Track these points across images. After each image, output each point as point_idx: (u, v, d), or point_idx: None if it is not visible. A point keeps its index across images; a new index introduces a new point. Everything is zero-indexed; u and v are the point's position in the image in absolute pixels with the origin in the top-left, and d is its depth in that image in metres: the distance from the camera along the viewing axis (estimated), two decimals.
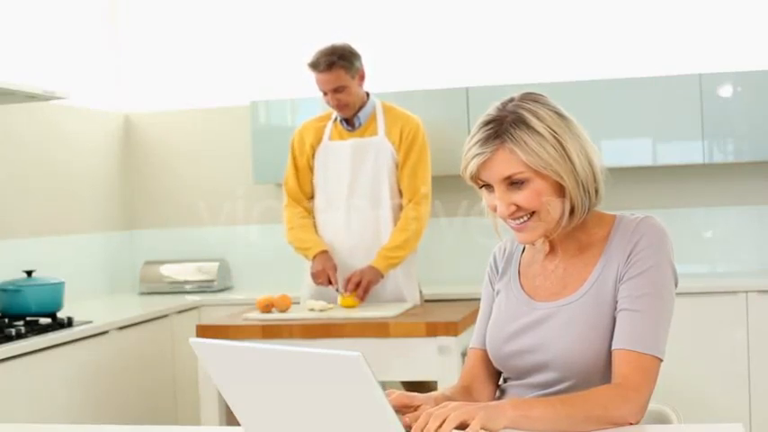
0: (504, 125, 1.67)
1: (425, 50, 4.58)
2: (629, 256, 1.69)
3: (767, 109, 4.07)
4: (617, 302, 1.68)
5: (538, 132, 1.66)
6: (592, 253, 1.75)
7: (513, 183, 1.68)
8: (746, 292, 3.86)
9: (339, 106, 3.62)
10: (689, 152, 4.14)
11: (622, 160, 4.20)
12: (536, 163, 1.65)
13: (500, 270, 1.90)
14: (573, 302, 1.72)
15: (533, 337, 1.74)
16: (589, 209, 1.72)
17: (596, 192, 1.72)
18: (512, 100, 1.73)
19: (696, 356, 3.87)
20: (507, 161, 1.66)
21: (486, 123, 1.70)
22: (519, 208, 1.69)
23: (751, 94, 4.09)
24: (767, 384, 3.84)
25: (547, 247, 1.82)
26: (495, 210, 1.72)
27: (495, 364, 1.83)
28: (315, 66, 3.59)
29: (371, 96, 3.75)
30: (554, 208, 1.69)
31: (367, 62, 3.73)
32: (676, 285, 1.73)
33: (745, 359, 3.85)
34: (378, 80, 4.07)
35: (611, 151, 4.18)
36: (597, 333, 1.68)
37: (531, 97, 1.73)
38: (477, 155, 1.67)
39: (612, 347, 1.65)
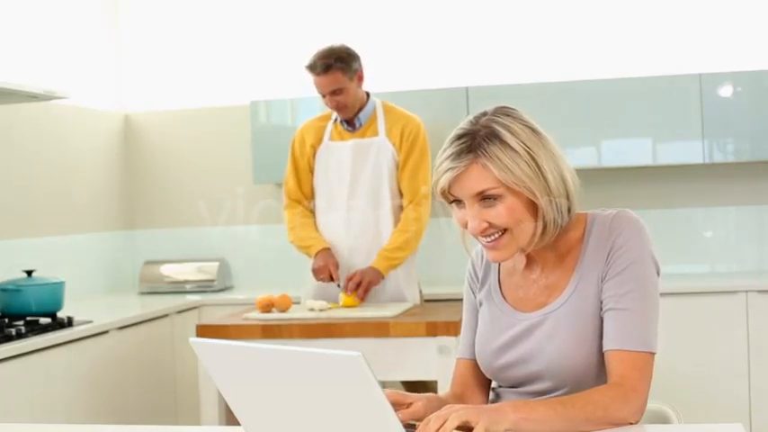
0: (477, 140, 1.64)
1: (425, 50, 4.58)
2: (608, 255, 1.68)
3: (767, 109, 4.07)
4: (602, 302, 1.68)
5: (511, 148, 1.63)
6: (570, 257, 1.74)
7: (486, 198, 1.64)
8: (746, 291, 3.86)
9: (338, 108, 3.63)
10: (689, 152, 4.14)
11: (622, 160, 4.20)
12: (509, 179, 1.62)
13: (479, 278, 1.87)
14: (557, 309, 1.71)
15: (522, 348, 1.73)
16: (561, 225, 1.69)
17: (569, 209, 1.69)
18: (485, 114, 1.69)
19: (696, 356, 3.87)
20: (480, 177, 1.63)
21: (459, 138, 1.67)
22: (491, 225, 1.66)
23: (751, 94, 4.09)
24: (767, 384, 3.84)
25: (524, 259, 1.79)
26: (465, 226, 1.69)
27: (488, 376, 1.83)
28: (312, 68, 3.59)
29: (371, 97, 3.75)
30: (526, 226, 1.66)
31: (367, 62, 3.73)
32: (659, 275, 1.71)
33: (745, 359, 3.85)
34: (378, 80, 4.08)
35: (611, 151, 4.18)
36: (586, 336, 1.68)
37: (504, 111, 1.69)
38: (450, 169, 1.65)
39: (604, 349, 1.65)
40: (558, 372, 1.69)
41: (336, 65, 3.55)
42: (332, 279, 3.61)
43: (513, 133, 1.64)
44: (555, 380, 1.70)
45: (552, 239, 1.71)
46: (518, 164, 1.62)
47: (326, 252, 3.65)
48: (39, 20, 4.20)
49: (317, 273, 3.64)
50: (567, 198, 1.68)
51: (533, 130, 1.67)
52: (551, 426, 1.51)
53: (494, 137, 1.63)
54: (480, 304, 1.85)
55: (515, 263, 1.82)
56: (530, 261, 1.79)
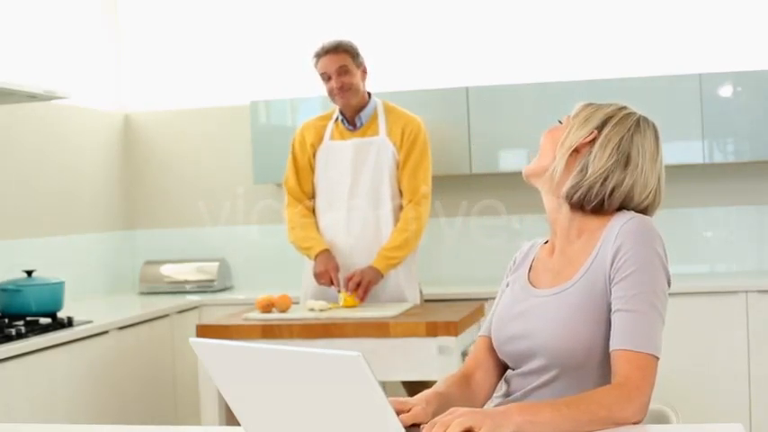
0: (632, 113, 1.85)
1: (425, 50, 4.58)
2: (613, 258, 1.71)
3: (767, 109, 4.07)
4: (610, 304, 1.69)
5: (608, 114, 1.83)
6: (589, 240, 1.78)
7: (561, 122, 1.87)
8: (746, 292, 3.86)
9: (343, 89, 3.61)
10: (689, 152, 4.14)
11: None
12: (574, 121, 1.83)
13: (517, 264, 1.96)
14: (564, 291, 1.75)
15: (524, 323, 1.78)
16: (574, 198, 1.78)
17: (596, 196, 1.77)
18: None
19: (696, 356, 3.87)
20: (579, 114, 1.85)
21: (625, 108, 1.87)
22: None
23: (751, 94, 4.09)
24: (767, 384, 3.84)
25: (553, 245, 1.87)
26: None
27: (497, 351, 1.86)
28: (322, 48, 3.63)
29: (373, 96, 3.75)
30: (549, 151, 1.82)
31: (367, 62, 3.73)
32: (669, 283, 1.74)
33: (745, 359, 3.85)
34: (378, 80, 4.07)
35: None
36: (585, 322, 1.70)
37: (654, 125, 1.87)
38: (587, 102, 1.89)
39: (610, 349, 1.67)
40: (549, 351, 1.72)
41: (345, 46, 3.64)
42: (332, 283, 3.61)
43: (642, 146, 1.80)
44: (547, 359, 1.73)
45: (578, 210, 1.79)
46: (593, 118, 1.83)
47: (327, 255, 3.65)
48: (39, 20, 4.20)
49: (317, 277, 3.64)
50: (599, 187, 1.76)
51: (656, 142, 1.83)
52: (557, 427, 1.52)
53: (636, 123, 1.82)
54: (507, 285, 1.93)
55: (548, 250, 1.89)
56: (554, 243, 1.86)
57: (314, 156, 3.77)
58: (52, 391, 3.20)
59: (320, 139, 3.76)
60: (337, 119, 3.75)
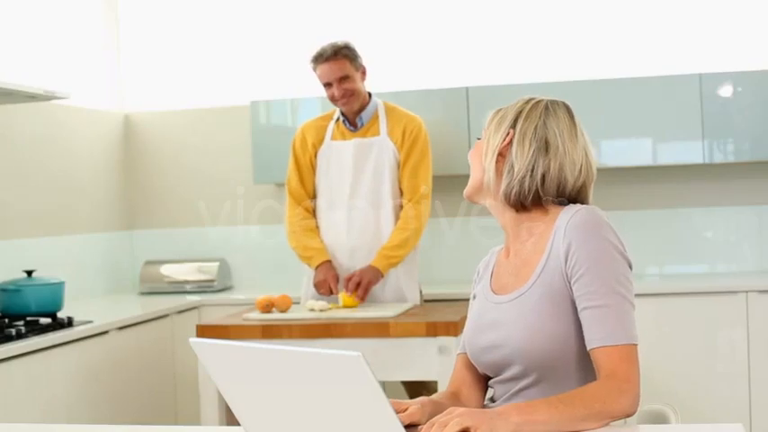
0: (539, 101, 1.87)
1: (425, 50, 4.58)
2: (566, 257, 1.71)
3: (767, 109, 4.07)
4: (576, 302, 1.69)
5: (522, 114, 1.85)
6: (540, 239, 1.79)
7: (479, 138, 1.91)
8: (746, 292, 3.86)
9: (345, 96, 3.61)
10: (689, 152, 4.14)
11: (622, 160, 4.20)
12: (488, 128, 1.86)
13: (480, 274, 1.96)
14: (523, 294, 1.75)
15: (493, 333, 1.78)
16: (507, 195, 1.80)
17: (535, 192, 1.79)
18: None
19: (696, 356, 3.87)
20: (491, 121, 1.88)
21: (531, 99, 1.89)
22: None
23: (751, 94, 4.09)
24: (767, 384, 3.84)
25: (508, 249, 1.88)
26: None
27: (474, 363, 1.86)
28: (320, 55, 3.60)
29: (373, 97, 3.75)
30: (477, 160, 1.85)
31: (367, 62, 3.73)
32: (631, 266, 1.73)
33: (745, 359, 3.85)
34: (378, 80, 4.07)
35: (611, 151, 4.18)
36: (550, 322, 1.70)
37: (566, 105, 1.90)
38: (497, 109, 1.91)
39: (588, 348, 1.67)
40: (524, 356, 1.72)
41: (344, 51, 3.61)
42: (332, 293, 3.61)
43: (558, 126, 1.82)
44: (524, 364, 1.73)
45: (525, 211, 1.81)
46: (504, 120, 1.85)
47: (327, 265, 3.65)
48: (39, 20, 4.20)
49: (317, 287, 3.65)
50: (530, 179, 1.78)
51: (571, 120, 1.85)
52: (555, 425, 1.53)
53: (545, 111, 1.85)
54: (474, 297, 1.93)
55: (505, 251, 1.90)
56: (508, 246, 1.87)
57: (315, 156, 3.77)
58: (52, 391, 3.20)
59: (321, 140, 3.76)
60: (338, 119, 3.75)
